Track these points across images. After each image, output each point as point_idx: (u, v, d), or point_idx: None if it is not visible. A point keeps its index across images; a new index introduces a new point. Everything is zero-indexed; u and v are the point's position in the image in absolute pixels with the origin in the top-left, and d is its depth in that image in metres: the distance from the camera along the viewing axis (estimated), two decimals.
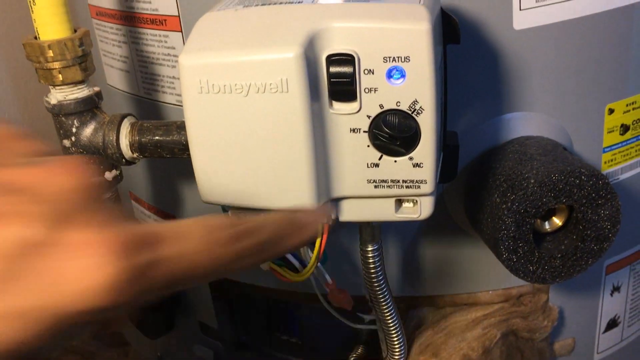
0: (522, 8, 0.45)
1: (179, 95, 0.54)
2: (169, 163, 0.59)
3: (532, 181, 0.42)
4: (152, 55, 0.54)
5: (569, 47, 0.47)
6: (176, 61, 0.52)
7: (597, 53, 0.48)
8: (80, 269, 0.21)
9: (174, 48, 0.52)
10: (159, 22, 0.52)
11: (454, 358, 0.50)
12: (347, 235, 0.53)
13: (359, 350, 0.58)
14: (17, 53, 0.99)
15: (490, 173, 0.45)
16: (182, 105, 0.53)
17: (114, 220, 0.23)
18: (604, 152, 0.51)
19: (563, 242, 0.45)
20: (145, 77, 0.56)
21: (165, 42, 0.52)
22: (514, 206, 0.42)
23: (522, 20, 0.45)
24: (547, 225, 0.46)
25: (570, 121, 0.49)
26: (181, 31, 0.51)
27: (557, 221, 0.45)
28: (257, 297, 0.64)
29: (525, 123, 0.48)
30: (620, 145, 0.52)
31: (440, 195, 0.50)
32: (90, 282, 0.21)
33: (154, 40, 0.53)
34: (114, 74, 0.60)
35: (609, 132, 0.51)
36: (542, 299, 0.54)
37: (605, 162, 0.52)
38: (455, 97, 0.45)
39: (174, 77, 0.53)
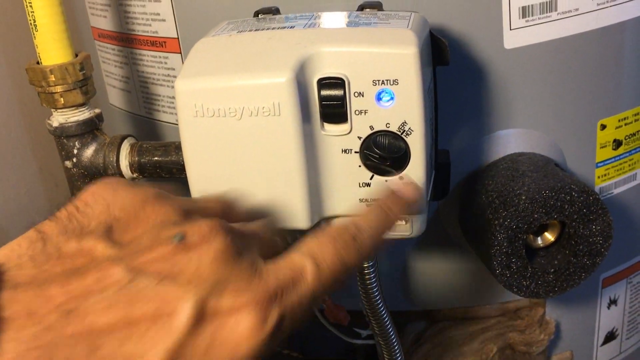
0: (512, 27, 0.46)
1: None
2: (166, 181, 0.60)
3: (524, 197, 0.43)
4: (152, 76, 0.55)
5: (560, 65, 0.48)
6: None
7: (589, 70, 0.49)
8: (239, 332, 0.23)
9: (173, 69, 0.53)
10: (158, 44, 0.53)
11: None
12: None
13: None
14: (23, 73, 1.01)
15: (483, 189, 0.46)
16: None
17: (255, 270, 0.25)
18: (597, 167, 0.52)
19: (556, 257, 0.46)
20: (145, 97, 0.57)
21: (165, 63, 0.54)
22: (506, 222, 0.43)
23: (512, 40, 0.46)
24: (539, 241, 0.46)
25: (562, 137, 0.50)
26: (180, 53, 0.52)
27: (550, 236, 0.46)
28: None
29: (517, 140, 0.49)
30: (613, 160, 0.52)
31: (437, 212, 0.51)
32: (251, 341, 0.24)
33: (154, 62, 0.55)
34: (115, 94, 0.61)
35: (602, 147, 0.51)
36: (539, 313, 0.54)
37: (598, 177, 0.52)
38: (447, 116, 0.46)
39: (173, 97, 0.54)
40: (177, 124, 0.55)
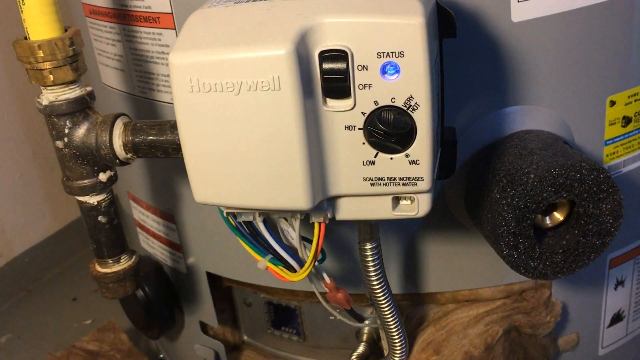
0: (519, 0, 0.44)
1: None
2: (166, 163, 0.59)
3: (532, 176, 0.41)
4: (147, 54, 0.53)
5: (568, 39, 0.46)
6: None
7: (598, 45, 0.47)
8: None
9: (167, 46, 0.52)
10: (152, 19, 0.51)
11: (456, 355, 0.49)
12: (346, 233, 0.52)
13: (361, 349, 0.58)
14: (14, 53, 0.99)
15: (490, 168, 0.45)
16: None
17: None
18: (606, 144, 0.50)
19: (564, 237, 0.44)
20: (140, 75, 0.55)
21: (159, 39, 0.52)
22: (514, 201, 0.41)
23: (520, 12, 0.44)
24: (548, 221, 0.45)
25: (571, 114, 0.48)
26: (175, 29, 0.50)
27: (558, 216, 0.45)
28: (257, 295, 0.63)
29: (525, 117, 0.47)
30: (622, 137, 0.51)
31: (441, 191, 0.50)
32: None
33: (148, 39, 0.53)
34: (109, 73, 0.59)
35: (611, 124, 0.50)
36: (545, 295, 0.53)
37: (607, 155, 0.51)
38: (454, 92, 0.44)
39: (167, 76, 0.53)
40: (171, 103, 0.54)
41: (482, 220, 0.45)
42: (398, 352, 0.51)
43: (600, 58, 0.47)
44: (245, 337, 0.69)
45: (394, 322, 0.49)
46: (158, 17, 0.51)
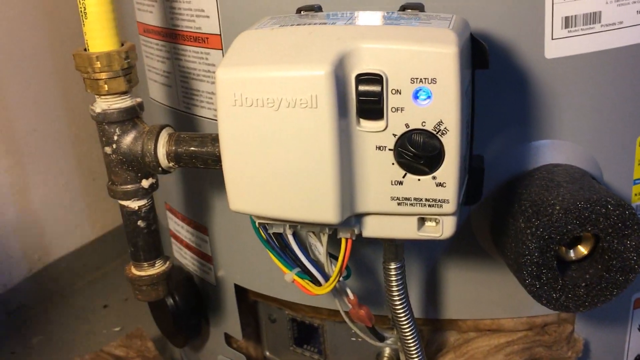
0: (554, 37, 0.45)
1: (216, 110, 0.56)
2: (203, 177, 0.61)
3: (558, 208, 0.42)
4: (193, 72, 0.56)
5: (601, 78, 0.47)
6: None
7: (630, 84, 0.48)
8: None
9: (213, 65, 0.54)
10: (201, 39, 0.54)
11: None
12: (371, 254, 0.53)
13: None
14: (67, 62, 1.04)
15: (516, 198, 0.46)
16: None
17: None
18: (635, 184, 0.51)
19: (588, 271, 0.45)
20: (185, 91, 0.58)
21: (206, 59, 0.55)
22: (539, 232, 0.42)
23: (553, 50, 0.46)
24: (572, 254, 0.46)
25: (600, 151, 0.49)
26: (222, 49, 0.53)
27: (583, 250, 0.45)
28: (282, 312, 0.65)
29: (554, 151, 0.48)
30: None
31: (467, 220, 0.51)
32: None
33: (196, 57, 0.56)
34: (156, 88, 0.62)
35: None
36: (568, 330, 0.53)
37: (635, 194, 0.51)
38: (485, 122, 0.46)
39: (212, 93, 0.56)
40: (214, 119, 0.57)
41: (506, 249, 0.46)
42: None
43: (632, 98, 0.48)
44: (267, 353, 0.70)
45: (414, 344, 0.50)
46: (207, 38, 0.54)
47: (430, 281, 0.54)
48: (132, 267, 0.51)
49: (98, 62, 0.43)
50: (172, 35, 0.57)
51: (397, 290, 0.47)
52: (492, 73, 0.44)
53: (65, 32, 1.03)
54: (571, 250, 0.46)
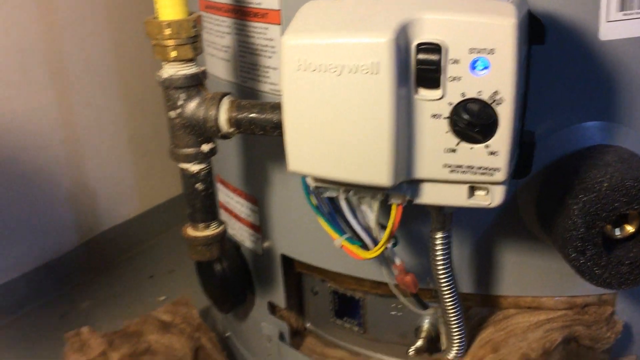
0: (609, 19, 0.46)
1: (272, 84, 0.58)
2: (254, 149, 0.64)
3: (606, 185, 0.43)
4: (251, 46, 0.59)
5: None
6: (273, 52, 0.57)
7: None
8: None
9: (271, 40, 0.57)
10: (261, 15, 0.57)
11: (513, 356, 0.51)
12: (419, 226, 0.55)
13: (419, 343, 0.60)
14: (124, 43, 1.08)
15: (565, 175, 0.47)
16: (274, 94, 0.58)
17: None
18: None
19: (632, 250, 0.46)
20: (242, 66, 0.61)
21: (265, 34, 0.57)
22: (585, 207, 0.43)
23: (608, 32, 0.47)
24: (618, 232, 0.46)
25: None
26: (280, 24, 0.55)
27: (630, 228, 0.46)
28: (325, 284, 0.67)
29: (605, 132, 0.49)
30: None
31: (514, 198, 0.52)
32: None
33: (255, 32, 0.58)
34: (214, 63, 0.65)
35: None
36: (608, 311, 0.54)
37: None
38: (538, 101, 0.47)
39: (269, 67, 0.58)
40: (270, 93, 0.59)
41: (551, 225, 0.47)
42: (456, 347, 0.53)
43: None
44: (308, 325, 0.72)
45: (455, 315, 0.51)
46: (266, 13, 0.56)
47: (474, 257, 0.55)
48: (189, 227, 0.54)
49: (168, 29, 0.46)
50: (233, 11, 0.59)
51: (442, 261, 0.48)
52: (548, 52, 0.46)
53: (123, 12, 1.07)
54: (617, 229, 0.46)
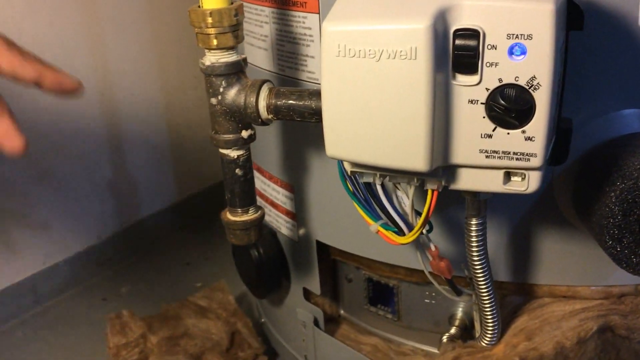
0: None
1: (310, 72, 0.59)
2: (291, 137, 0.65)
3: None
4: (290, 35, 0.60)
5: None
6: (312, 41, 0.58)
7: None
8: None
9: (310, 28, 0.58)
10: (300, 4, 0.58)
11: (547, 344, 0.51)
12: (454, 213, 0.55)
13: (452, 331, 0.61)
14: (163, 34, 1.10)
15: (603, 163, 0.47)
16: (311, 82, 0.59)
17: None
18: None
19: None
20: (280, 55, 0.62)
21: (304, 22, 0.58)
22: (623, 195, 0.43)
23: None
24: None
25: None
26: (319, 13, 0.56)
27: None
28: (359, 271, 0.68)
29: None
30: None
31: (550, 186, 0.52)
32: None
33: (294, 21, 0.59)
34: (253, 52, 0.66)
35: None
36: None
37: None
38: (576, 88, 0.47)
39: (307, 55, 0.59)
40: (307, 81, 0.60)
41: (588, 213, 0.47)
42: (489, 334, 0.54)
43: None
44: (342, 312, 0.73)
45: (490, 302, 0.52)
46: (305, 2, 0.57)
47: (510, 245, 0.55)
48: (228, 212, 0.55)
49: (210, 18, 0.47)
50: (272, 0, 0.60)
51: (477, 247, 0.49)
52: (586, 38, 0.45)
53: (161, 4, 1.09)
54: None
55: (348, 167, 0.45)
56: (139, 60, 1.09)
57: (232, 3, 0.49)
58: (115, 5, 1.03)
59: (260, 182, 0.74)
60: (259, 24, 0.63)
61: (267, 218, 0.75)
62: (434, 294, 0.64)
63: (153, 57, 1.12)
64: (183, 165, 1.21)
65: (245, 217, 0.55)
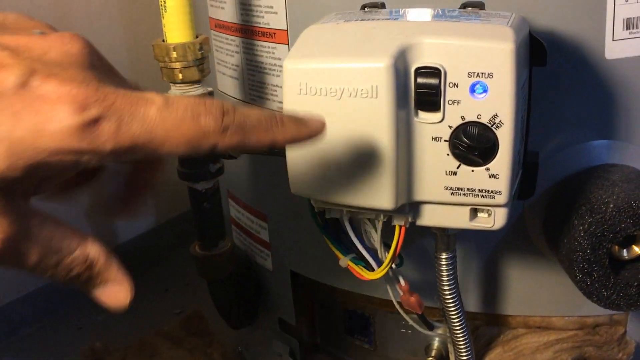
0: (614, 38, 0.46)
1: (280, 102, 0.59)
2: (263, 166, 0.64)
3: (612, 206, 0.43)
4: (260, 65, 0.59)
5: None
6: (281, 71, 0.57)
7: None
8: (47, 115, 0.24)
9: (279, 59, 0.57)
10: (269, 35, 0.57)
11: None
12: (424, 246, 0.55)
13: None
14: (139, 57, 1.09)
15: (571, 196, 0.46)
16: (281, 112, 0.58)
17: (99, 82, 0.25)
18: None
19: None
20: (252, 84, 0.61)
21: (273, 53, 0.58)
22: (591, 229, 0.43)
23: (614, 51, 0.46)
24: (625, 253, 0.46)
25: None
26: (288, 44, 0.56)
27: (637, 249, 0.45)
28: (335, 300, 0.67)
29: (611, 151, 0.49)
30: None
31: (521, 217, 0.52)
32: (53, 127, 0.24)
33: (263, 51, 0.59)
34: (225, 81, 0.66)
35: None
36: (619, 332, 0.53)
37: None
38: (543, 121, 0.47)
39: (277, 85, 0.58)
40: (278, 111, 0.59)
41: (558, 246, 0.47)
42: None
43: None
44: (319, 340, 0.72)
45: (462, 335, 0.51)
46: (274, 33, 0.57)
47: (482, 276, 0.55)
48: (197, 246, 0.54)
49: (174, 52, 0.47)
50: (241, 30, 0.60)
51: (448, 281, 0.48)
52: (552, 72, 0.45)
53: (140, 28, 1.09)
54: (625, 250, 0.46)
55: (315, 203, 0.44)
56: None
57: (197, 37, 0.48)
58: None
59: (235, 211, 0.73)
60: (230, 54, 0.63)
61: (242, 247, 0.74)
62: (410, 323, 0.63)
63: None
64: (161, 189, 1.20)
65: (214, 251, 0.54)
